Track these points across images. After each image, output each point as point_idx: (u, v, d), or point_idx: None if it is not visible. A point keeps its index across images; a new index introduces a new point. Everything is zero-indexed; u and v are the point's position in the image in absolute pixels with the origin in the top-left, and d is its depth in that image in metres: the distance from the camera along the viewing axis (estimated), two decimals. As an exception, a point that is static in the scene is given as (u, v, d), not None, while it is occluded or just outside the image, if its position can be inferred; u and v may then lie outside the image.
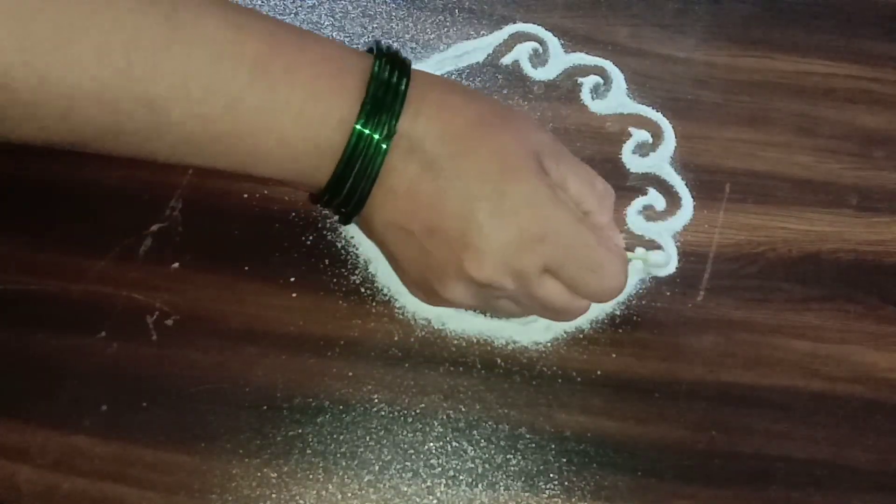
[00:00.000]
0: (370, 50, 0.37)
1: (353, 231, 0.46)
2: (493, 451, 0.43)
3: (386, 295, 0.46)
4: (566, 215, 0.36)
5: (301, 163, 0.35)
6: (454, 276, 0.36)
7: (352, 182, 0.35)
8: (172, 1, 0.32)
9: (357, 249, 0.46)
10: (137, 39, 0.30)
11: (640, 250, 0.45)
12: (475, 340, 0.45)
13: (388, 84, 0.34)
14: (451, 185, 0.35)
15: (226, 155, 0.34)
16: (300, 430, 0.43)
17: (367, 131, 0.34)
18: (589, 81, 0.50)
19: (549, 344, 0.45)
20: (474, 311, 0.45)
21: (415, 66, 0.49)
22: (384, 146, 0.34)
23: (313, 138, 0.34)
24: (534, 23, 0.51)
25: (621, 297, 0.46)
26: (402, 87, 0.35)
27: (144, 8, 0.31)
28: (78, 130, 0.32)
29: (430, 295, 0.39)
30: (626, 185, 0.48)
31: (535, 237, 0.35)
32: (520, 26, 0.51)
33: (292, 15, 0.50)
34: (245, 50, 0.33)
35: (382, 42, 0.36)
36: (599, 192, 0.39)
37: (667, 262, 0.46)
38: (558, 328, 0.45)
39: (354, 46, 0.49)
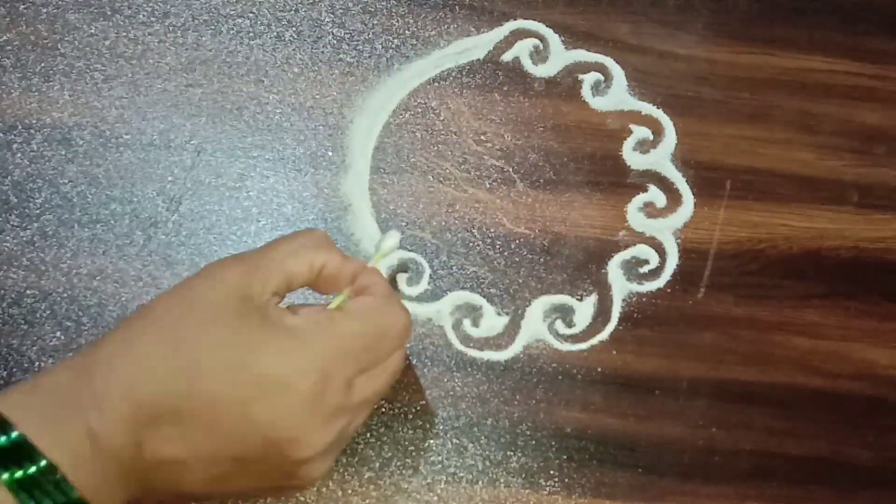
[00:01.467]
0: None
1: (352, 229, 0.46)
2: (493, 448, 0.43)
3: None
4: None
5: None
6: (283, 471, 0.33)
7: None
8: None
9: (357, 247, 0.46)
10: None
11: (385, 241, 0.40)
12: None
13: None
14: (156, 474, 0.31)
15: None
16: (301, 427, 0.43)
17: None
18: (589, 78, 0.50)
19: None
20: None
21: (414, 63, 0.49)
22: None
23: None
24: (534, 19, 0.51)
25: (622, 294, 0.46)
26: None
27: None
28: None
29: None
30: (626, 182, 0.48)
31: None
32: (520, 23, 0.51)
33: (293, 12, 0.49)
34: None
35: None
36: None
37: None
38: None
39: (354, 43, 0.49)
